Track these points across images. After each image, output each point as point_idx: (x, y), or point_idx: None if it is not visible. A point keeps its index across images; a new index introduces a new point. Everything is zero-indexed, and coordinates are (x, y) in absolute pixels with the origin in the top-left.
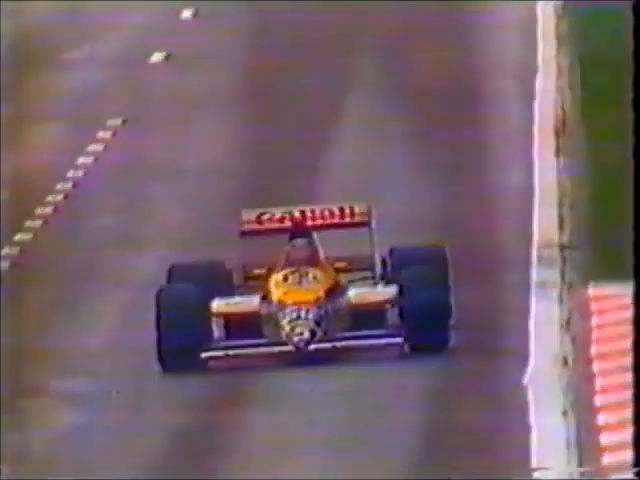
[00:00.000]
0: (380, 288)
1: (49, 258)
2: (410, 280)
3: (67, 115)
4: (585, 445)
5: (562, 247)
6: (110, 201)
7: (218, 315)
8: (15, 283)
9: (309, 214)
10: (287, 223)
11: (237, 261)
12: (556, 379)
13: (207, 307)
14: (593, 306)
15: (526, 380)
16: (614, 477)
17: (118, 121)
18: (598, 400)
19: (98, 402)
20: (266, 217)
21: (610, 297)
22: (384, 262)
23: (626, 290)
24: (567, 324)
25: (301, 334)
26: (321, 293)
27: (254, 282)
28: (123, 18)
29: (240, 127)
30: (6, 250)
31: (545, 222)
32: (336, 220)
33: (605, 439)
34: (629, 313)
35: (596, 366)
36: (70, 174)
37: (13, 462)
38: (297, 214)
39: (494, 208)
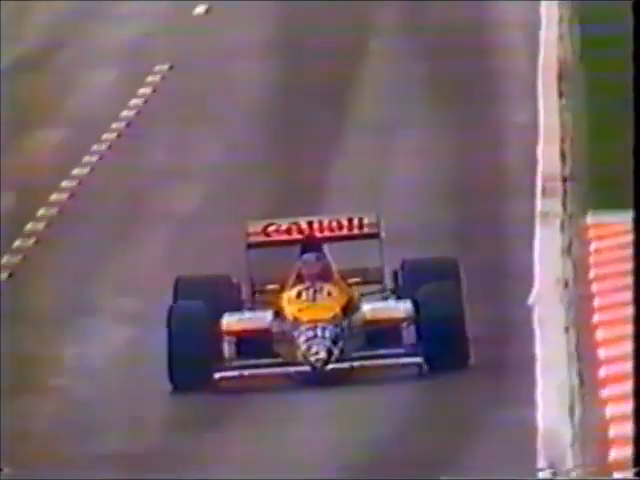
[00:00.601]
0: (393, 303)
1: (104, 192)
2: (426, 296)
3: (119, 62)
4: (584, 360)
5: (564, 180)
6: (159, 140)
7: (229, 333)
8: (74, 215)
9: (317, 226)
10: (295, 235)
11: (243, 274)
12: (558, 299)
13: (218, 324)
14: (591, 233)
15: (531, 300)
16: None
17: (165, 66)
18: (596, 317)
19: (147, 320)
20: (273, 229)
21: (607, 225)
22: (395, 274)
23: (621, 219)
24: (568, 250)
25: (317, 353)
26: (337, 310)
27: (262, 297)
28: None
29: (272, 73)
30: (65, 183)
31: (548, 156)
32: (345, 232)
33: (602, 354)
34: (624, 239)
35: (594, 287)
36: (123, 114)
37: (74, 375)
38: (305, 226)
39: (503, 142)
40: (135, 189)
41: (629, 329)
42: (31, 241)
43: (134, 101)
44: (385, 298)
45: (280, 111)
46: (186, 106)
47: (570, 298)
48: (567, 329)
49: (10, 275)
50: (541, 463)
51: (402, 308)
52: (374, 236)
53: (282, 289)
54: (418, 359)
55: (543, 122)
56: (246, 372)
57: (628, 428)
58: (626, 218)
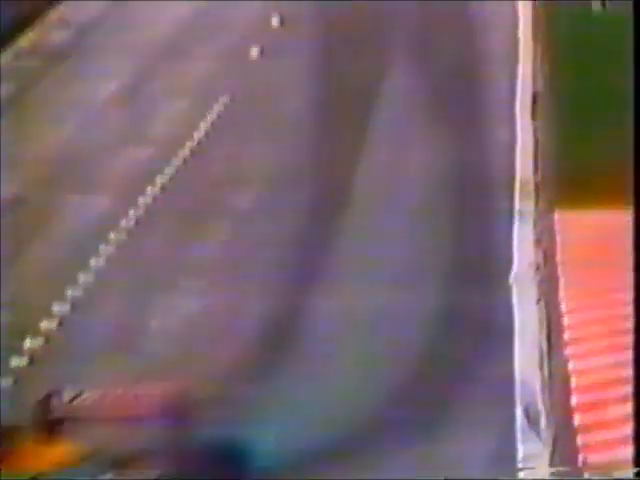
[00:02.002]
0: None
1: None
2: None
3: (192, 94)
4: (552, 325)
5: (536, 185)
6: (222, 155)
7: None
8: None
9: None
10: None
11: None
12: (532, 279)
13: None
14: (558, 227)
15: (511, 280)
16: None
17: (227, 98)
18: (561, 293)
19: (212, 294)
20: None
21: (570, 221)
22: None
23: (581, 216)
24: (539, 241)
25: None
26: None
27: None
28: (229, 24)
29: (311, 102)
30: (159, 178)
31: (524, 166)
32: None
33: (566, 321)
34: (584, 232)
35: (560, 269)
36: (195, 135)
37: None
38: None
39: (488, 153)
40: (203, 192)
41: (588, 302)
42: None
43: (203, 124)
44: None
45: (316, 128)
46: (244, 129)
47: (541, 278)
48: (538, 301)
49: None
50: (517, 404)
51: None
52: None
53: None
54: None
55: (520, 139)
56: None
57: (586, 380)
58: (585, 216)
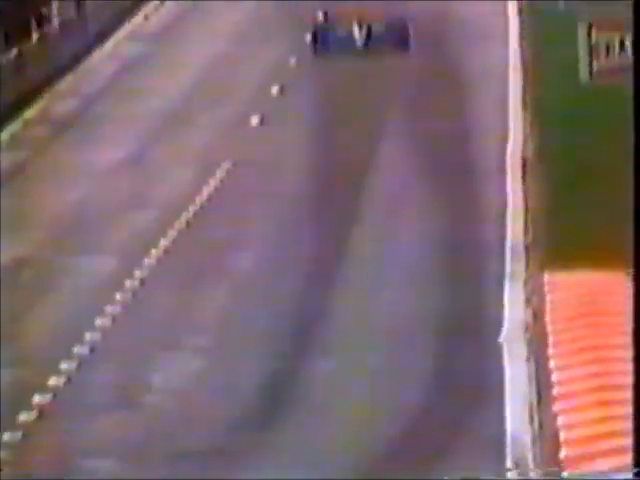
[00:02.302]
0: None
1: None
2: None
3: (196, 161)
4: (541, 383)
5: (527, 247)
6: (225, 217)
7: None
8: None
9: None
10: None
11: None
12: (522, 337)
13: None
14: (547, 288)
15: (501, 338)
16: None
17: (230, 164)
18: (550, 351)
19: (216, 355)
20: None
21: (559, 282)
22: None
23: (570, 277)
24: (529, 300)
25: None
26: None
27: None
28: (230, 93)
29: (311, 165)
30: (162, 241)
31: (515, 229)
32: None
33: (554, 378)
34: (572, 292)
35: (549, 328)
36: (197, 199)
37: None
38: None
39: (480, 216)
40: (205, 253)
41: (576, 359)
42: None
43: (206, 189)
44: None
45: (314, 191)
46: (245, 192)
47: (530, 336)
48: (528, 359)
49: None
50: (508, 459)
51: None
52: None
53: None
54: None
55: (510, 202)
56: None
57: (575, 433)
58: (573, 276)
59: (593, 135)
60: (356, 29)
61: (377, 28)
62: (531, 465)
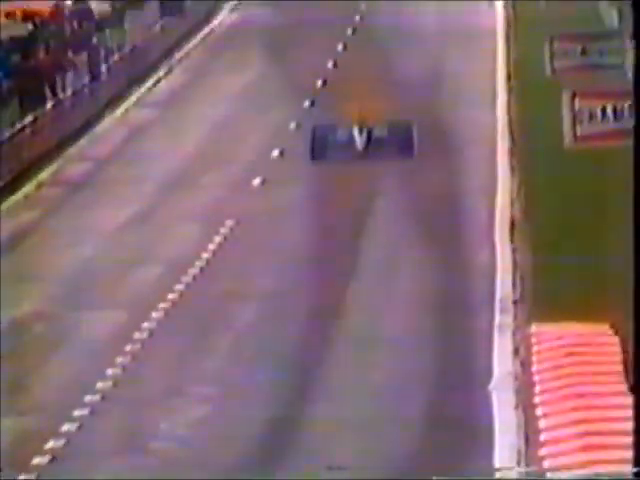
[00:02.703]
0: None
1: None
2: None
3: (201, 219)
4: (529, 429)
5: (514, 301)
6: (228, 271)
7: None
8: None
9: None
10: None
11: None
12: (510, 386)
13: None
14: (534, 339)
15: (491, 386)
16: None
17: (233, 222)
18: (537, 399)
19: (220, 403)
20: None
21: (545, 333)
22: None
23: (555, 329)
24: (517, 351)
25: None
26: None
27: None
28: (235, 159)
29: (308, 223)
30: (170, 295)
31: (503, 285)
32: None
33: (541, 425)
34: (557, 343)
35: (536, 378)
36: (204, 255)
37: (171, 440)
38: None
39: (471, 273)
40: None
41: (562, 406)
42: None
43: (211, 246)
44: None
45: (313, 248)
46: (248, 249)
47: (518, 385)
48: (516, 407)
49: None
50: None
51: None
52: None
53: None
54: None
55: (499, 260)
56: None
57: (561, 476)
58: (559, 328)
59: (577, 197)
60: (356, 132)
61: (379, 132)
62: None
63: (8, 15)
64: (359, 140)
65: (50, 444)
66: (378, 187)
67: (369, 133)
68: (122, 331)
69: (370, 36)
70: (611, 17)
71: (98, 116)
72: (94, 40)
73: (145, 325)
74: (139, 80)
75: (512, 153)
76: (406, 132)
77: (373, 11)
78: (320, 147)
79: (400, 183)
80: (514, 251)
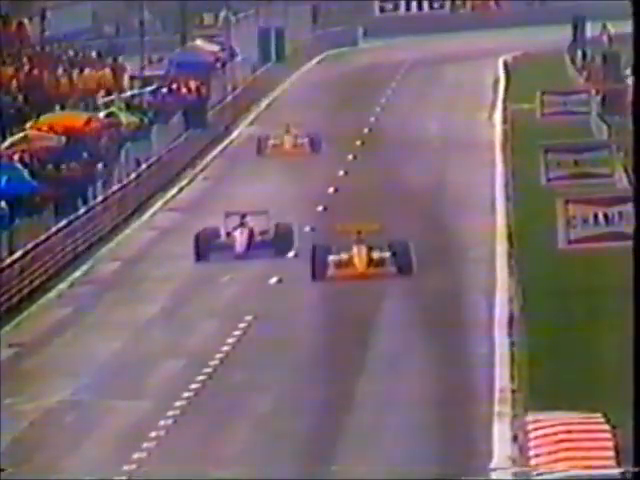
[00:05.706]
0: None
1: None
2: None
3: (222, 314)
4: None
5: (512, 391)
6: (250, 362)
7: None
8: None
9: None
10: None
11: None
12: (509, 470)
13: None
14: (530, 427)
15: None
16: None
17: (251, 317)
18: None
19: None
20: None
21: (541, 421)
22: None
23: (549, 417)
24: (515, 438)
25: None
26: None
27: None
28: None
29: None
30: (200, 377)
31: (502, 377)
32: None
33: None
34: (552, 430)
35: (532, 461)
36: (223, 347)
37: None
38: None
39: (471, 366)
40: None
41: None
42: None
43: (229, 340)
44: None
45: (325, 342)
46: (264, 342)
47: (517, 470)
48: None
49: None
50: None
51: None
52: None
53: None
54: None
55: (498, 354)
56: None
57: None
58: (554, 417)
59: (570, 294)
60: (355, 250)
61: (378, 254)
62: None
63: (50, 129)
64: (358, 261)
65: None
66: (383, 294)
67: (368, 253)
68: (148, 419)
69: (378, 148)
70: (600, 129)
71: (126, 220)
72: (123, 151)
73: (169, 413)
74: (164, 187)
75: (510, 255)
76: (404, 251)
77: (380, 127)
78: (319, 266)
79: (408, 284)
80: (512, 344)
